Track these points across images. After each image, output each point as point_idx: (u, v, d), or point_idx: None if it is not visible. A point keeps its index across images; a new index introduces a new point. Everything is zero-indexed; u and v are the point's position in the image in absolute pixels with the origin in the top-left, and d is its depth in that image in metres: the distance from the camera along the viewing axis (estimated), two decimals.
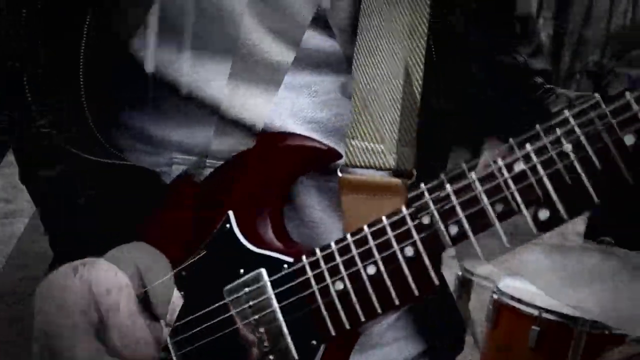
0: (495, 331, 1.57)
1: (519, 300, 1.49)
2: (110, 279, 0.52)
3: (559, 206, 0.44)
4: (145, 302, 0.54)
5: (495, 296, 1.54)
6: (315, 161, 0.55)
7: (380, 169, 0.56)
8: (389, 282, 0.48)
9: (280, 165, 0.55)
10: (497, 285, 1.58)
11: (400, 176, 0.56)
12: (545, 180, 0.44)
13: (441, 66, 0.61)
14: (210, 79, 0.59)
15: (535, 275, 1.55)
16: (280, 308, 0.52)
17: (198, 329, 0.55)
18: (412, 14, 0.59)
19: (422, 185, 0.49)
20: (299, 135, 0.56)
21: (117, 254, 0.55)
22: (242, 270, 0.54)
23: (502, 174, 0.45)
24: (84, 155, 0.59)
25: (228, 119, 0.60)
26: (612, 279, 1.57)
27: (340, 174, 0.56)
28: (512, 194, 0.45)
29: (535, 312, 1.46)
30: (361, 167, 0.56)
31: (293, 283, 0.51)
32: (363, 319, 0.49)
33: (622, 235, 1.71)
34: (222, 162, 0.58)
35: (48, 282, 0.54)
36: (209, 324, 0.55)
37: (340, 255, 0.49)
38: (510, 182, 0.45)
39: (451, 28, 0.63)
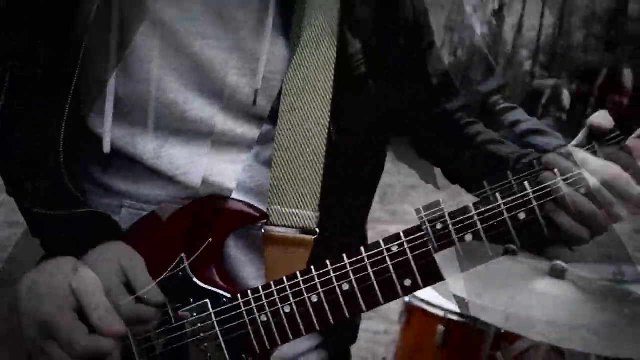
0: (407, 331, 1.78)
1: (427, 303, 1.70)
2: (86, 280, 0.67)
3: (418, 278, 0.65)
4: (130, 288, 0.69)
5: (406, 299, 1.75)
6: (249, 221, 0.73)
7: (293, 227, 0.75)
8: (299, 319, 0.67)
9: (223, 223, 0.73)
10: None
11: (307, 234, 0.75)
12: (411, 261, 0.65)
13: (344, 145, 0.79)
14: (164, 151, 0.77)
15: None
16: (220, 330, 0.70)
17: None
18: (321, 104, 0.78)
19: (328, 262, 0.69)
20: (238, 200, 0.74)
21: (99, 255, 0.70)
22: (191, 299, 0.71)
23: (384, 253, 0.66)
24: (49, 212, 0.75)
25: (168, 175, 0.77)
26: (512, 284, 1.80)
27: (262, 231, 0.75)
28: (388, 267, 0.66)
29: (441, 313, 1.67)
30: (279, 226, 0.75)
31: (230, 314, 0.69)
32: (279, 342, 0.68)
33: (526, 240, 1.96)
34: (175, 209, 0.75)
35: (36, 273, 0.69)
36: (165, 338, 0.72)
37: (266, 297, 0.68)
38: (388, 259, 0.66)
39: (356, 113, 0.82)
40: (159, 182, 0.77)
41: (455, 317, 1.66)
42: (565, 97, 2.88)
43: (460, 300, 1.61)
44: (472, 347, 1.67)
